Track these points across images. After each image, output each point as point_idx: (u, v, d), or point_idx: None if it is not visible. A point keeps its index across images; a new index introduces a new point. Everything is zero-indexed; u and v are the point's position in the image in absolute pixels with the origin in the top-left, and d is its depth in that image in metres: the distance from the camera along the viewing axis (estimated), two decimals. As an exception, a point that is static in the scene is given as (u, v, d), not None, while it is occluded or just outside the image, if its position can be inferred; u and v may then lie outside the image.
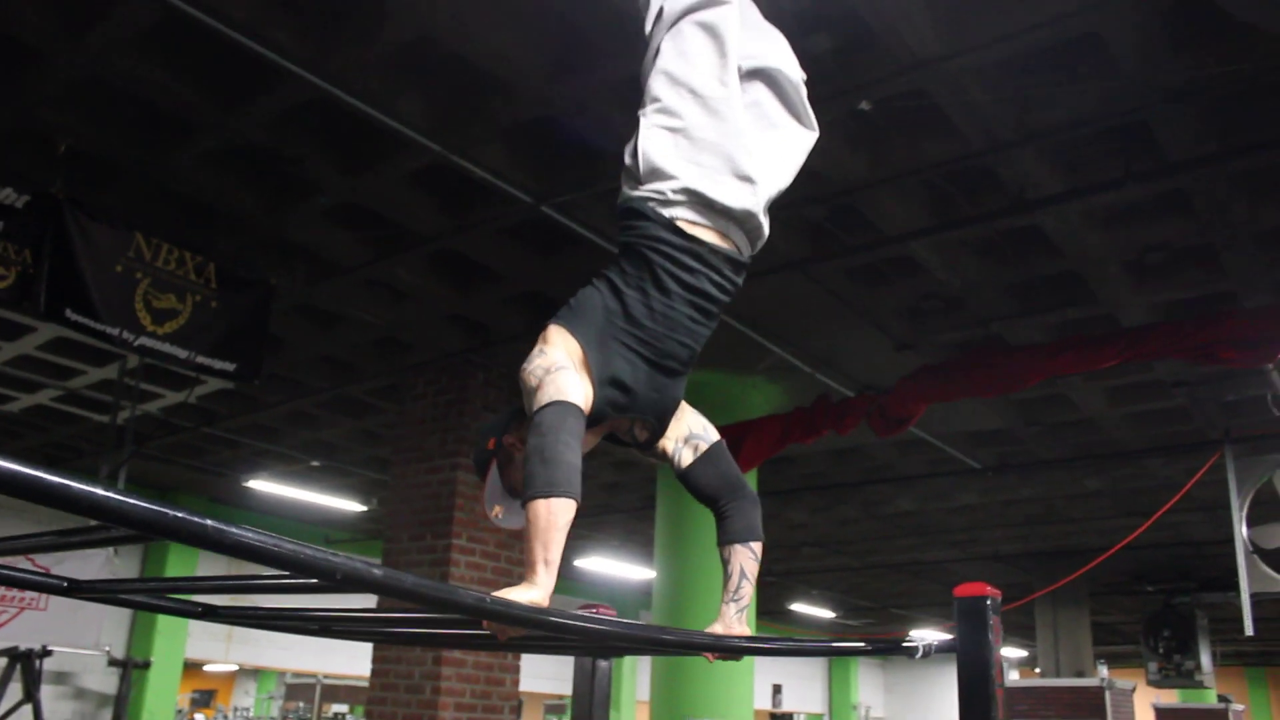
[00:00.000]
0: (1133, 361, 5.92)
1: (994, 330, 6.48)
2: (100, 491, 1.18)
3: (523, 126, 4.76)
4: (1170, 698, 17.87)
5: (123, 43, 4.20)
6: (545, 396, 1.97)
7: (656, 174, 2.17)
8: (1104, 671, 11.98)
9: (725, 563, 2.30)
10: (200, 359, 5.74)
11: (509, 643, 2.14)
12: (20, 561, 6.38)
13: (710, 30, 2.27)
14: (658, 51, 2.32)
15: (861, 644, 2.83)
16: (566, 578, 16.96)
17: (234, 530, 1.31)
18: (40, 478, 1.15)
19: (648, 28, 2.41)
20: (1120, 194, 4.88)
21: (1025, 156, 4.64)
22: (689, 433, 2.31)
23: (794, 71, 2.42)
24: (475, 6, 3.92)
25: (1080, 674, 14.16)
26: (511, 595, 1.81)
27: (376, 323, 7.09)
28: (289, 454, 10.69)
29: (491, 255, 6.04)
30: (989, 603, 2.59)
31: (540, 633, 2.09)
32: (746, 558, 2.29)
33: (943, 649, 2.63)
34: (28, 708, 10.25)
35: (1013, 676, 25.72)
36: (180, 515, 1.26)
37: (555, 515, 1.85)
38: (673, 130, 2.20)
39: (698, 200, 2.16)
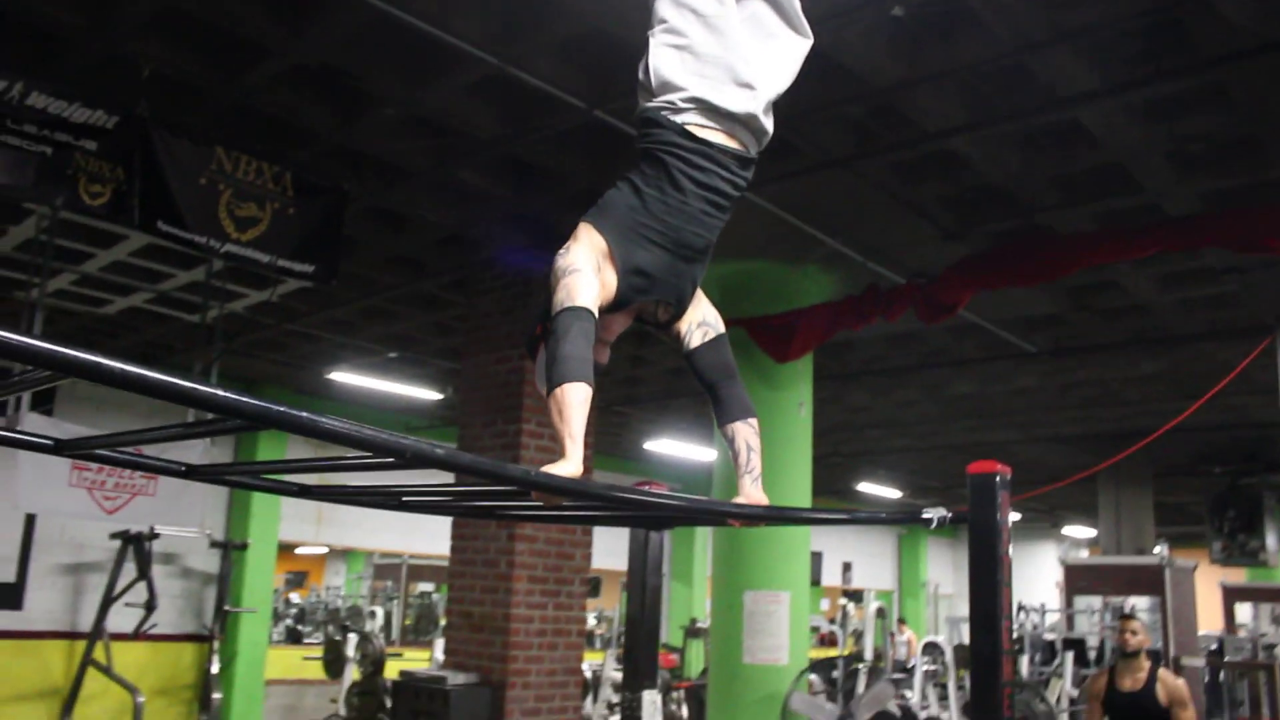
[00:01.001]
0: (1173, 250, 6.05)
1: (1039, 220, 6.62)
2: (222, 392, 1.55)
3: (575, 38, 5.00)
4: (1238, 577, 18.06)
5: (198, -26, 4.51)
6: (558, 303, 2.31)
7: (667, 87, 2.47)
8: (1163, 549, 12.22)
9: (730, 441, 2.63)
10: (281, 262, 6.17)
11: (558, 512, 2.51)
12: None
13: None
14: None
15: (882, 515, 3.16)
16: (636, 459, 17.53)
17: (324, 420, 1.68)
18: (176, 383, 1.51)
19: None
20: (1158, 88, 4.97)
21: (1058, 55, 4.76)
22: (702, 319, 2.64)
23: None
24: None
25: (1141, 552, 14.39)
26: (553, 469, 2.18)
27: (443, 222, 7.45)
28: (367, 346, 11.22)
29: (549, 159, 6.33)
30: (998, 479, 2.90)
31: (584, 501, 2.46)
32: (748, 433, 2.62)
33: (956, 520, 2.95)
34: (142, 585, 11.18)
35: (1082, 555, 26.08)
36: (283, 410, 1.64)
37: (569, 396, 2.19)
38: (678, 48, 2.48)
39: (704, 106, 2.44)
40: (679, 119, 2.44)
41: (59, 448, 2.42)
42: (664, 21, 2.52)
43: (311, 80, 5.56)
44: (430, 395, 12.85)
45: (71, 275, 8.78)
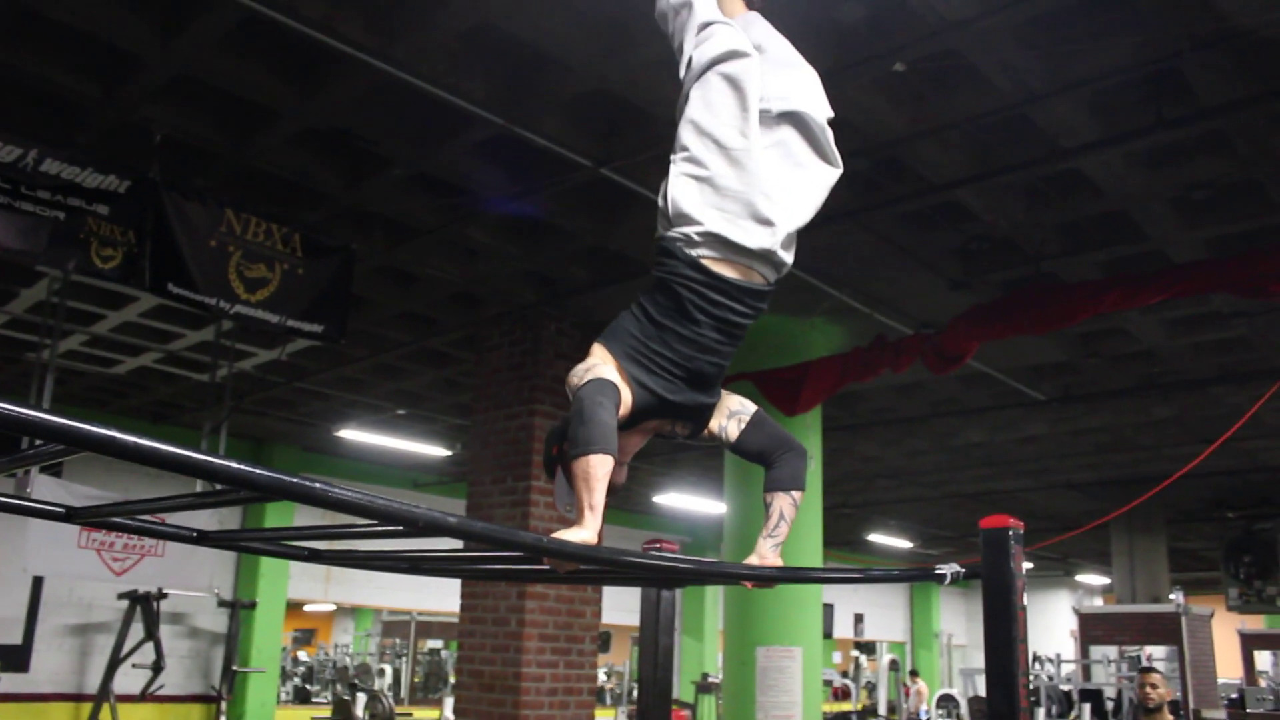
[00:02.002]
0: (1180, 297, 6.06)
1: (1045, 269, 6.64)
2: (234, 465, 1.55)
3: (580, 98, 5.06)
4: (1257, 623, 17.84)
5: (209, 42, 4.59)
6: (582, 381, 2.30)
7: (683, 218, 2.42)
8: (1179, 596, 12.09)
9: (767, 506, 2.61)
10: (290, 323, 6.20)
11: (569, 575, 2.50)
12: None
13: (733, 82, 2.46)
14: (687, 98, 2.55)
15: (895, 572, 3.13)
16: (645, 513, 17.46)
17: (336, 490, 1.68)
18: (188, 456, 1.50)
19: (680, 71, 2.64)
20: (1159, 137, 5.01)
21: (1060, 106, 4.81)
22: (729, 411, 2.60)
23: (820, 113, 2.60)
24: (527, -7, 4.20)
25: (1156, 600, 14.24)
26: (566, 536, 2.17)
27: (452, 279, 7.50)
28: (376, 404, 11.25)
29: (557, 215, 6.38)
30: (1011, 533, 2.88)
31: (596, 566, 2.45)
32: (787, 503, 2.60)
33: (970, 575, 2.93)
34: (149, 646, 11.12)
35: (1096, 603, 25.81)
36: (295, 481, 1.63)
37: (594, 468, 2.19)
38: (698, 179, 2.42)
39: (720, 242, 2.40)
40: (694, 252, 2.41)
41: (70, 516, 2.42)
42: (685, 150, 2.48)
43: (321, 142, 5.63)
44: (439, 452, 12.84)
45: (82, 336, 8.85)
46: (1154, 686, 6.07)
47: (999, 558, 2.89)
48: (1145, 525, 14.56)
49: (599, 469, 2.21)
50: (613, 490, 2.37)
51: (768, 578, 2.58)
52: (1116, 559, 15.08)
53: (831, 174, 2.62)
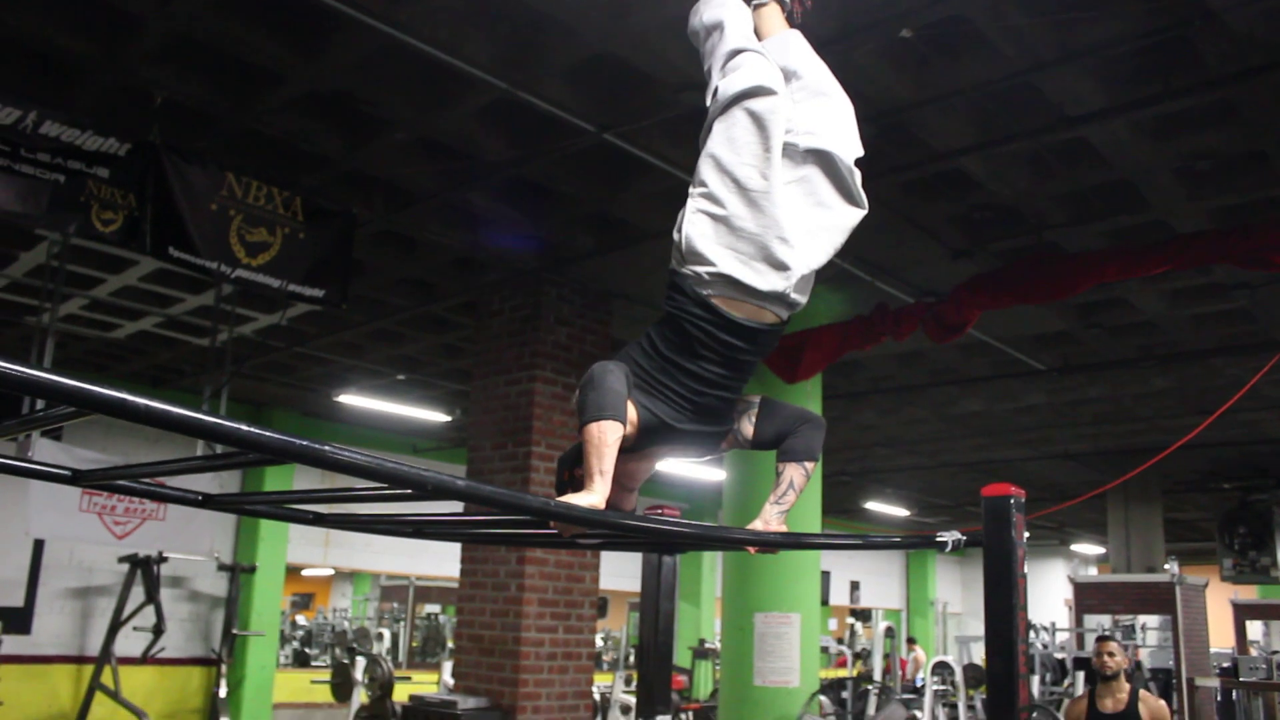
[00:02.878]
0: (1183, 268, 6.05)
1: (1048, 238, 6.62)
2: (245, 427, 1.55)
3: (584, 62, 5.02)
4: (1249, 594, 17.95)
5: (209, 3, 4.54)
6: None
7: (696, 257, 2.39)
8: (1174, 567, 12.16)
9: (779, 473, 2.60)
10: (291, 287, 6.18)
11: (574, 539, 2.51)
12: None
13: (758, 120, 2.42)
14: (710, 129, 2.51)
15: (896, 539, 3.15)
16: (645, 481, 17.49)
17: (346, 453, 1.69)
18: (199, 419, 1.50)
19: (707, 98, 2.58)
20: (1166, 106, 4.98)
21: (1067, 74, 4.78)
22: (737, 411, 2.58)
23: (850, 153, 2.55)
24: (532, -45, 4.16)
25: (1151, 569, 14.31)
26: (573, 499, 2.18)
27: (453, 245, 7.47)
28: (375, 369, 11.25)
29: (559, 181, 6.35)
30: (1012, 501, 2.90)
31: (602, 530, 2.47)
32: (799, 473, 2.58)
33: (970, 543, 2.95)
34: (150, 609, 11.18)
35: (1091, 572, 25.96)
36: (305, 444, 1.64)
37: (605, 434, 2.20)
38: (714, 218, 2.40)
39: (731, 284, 2.37)
40: (704, 292, 2.39)
41: (76, 479, 2.42)
42: (704, 185, 2.44)
43: (322, 106, 5.59)
44: (439, 417, 12.86)
45: (81, 300, 8.83)
46: (1110, 655, 6.13)
47: (1000, 526, 2.91)
48: (1142, 495, 14.62)
49: (610, 434, 2.22)
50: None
51: (772, 543, 2.59)
52: (1112, 529, 15.16)
53: (855, 215, 2.56)
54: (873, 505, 19.52)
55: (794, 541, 2.83)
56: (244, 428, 1.56)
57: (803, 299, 2.49)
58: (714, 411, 2.49)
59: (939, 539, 2.98)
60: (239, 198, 5.87)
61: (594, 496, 2.21)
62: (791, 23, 2.77)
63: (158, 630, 11.15)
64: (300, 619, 22.29)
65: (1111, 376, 10.24)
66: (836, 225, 2.52)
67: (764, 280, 2.37)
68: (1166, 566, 12.43)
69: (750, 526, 2.65)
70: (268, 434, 1.61)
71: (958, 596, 28.18)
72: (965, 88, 4.95)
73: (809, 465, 2.60)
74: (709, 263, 2.38)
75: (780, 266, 2.38)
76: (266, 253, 6.03)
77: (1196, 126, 5.36)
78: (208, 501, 2.80)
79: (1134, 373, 9.99)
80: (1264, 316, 8.05)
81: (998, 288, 6.41)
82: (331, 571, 23.12)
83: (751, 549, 2.82)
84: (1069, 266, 6.15)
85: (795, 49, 2.68)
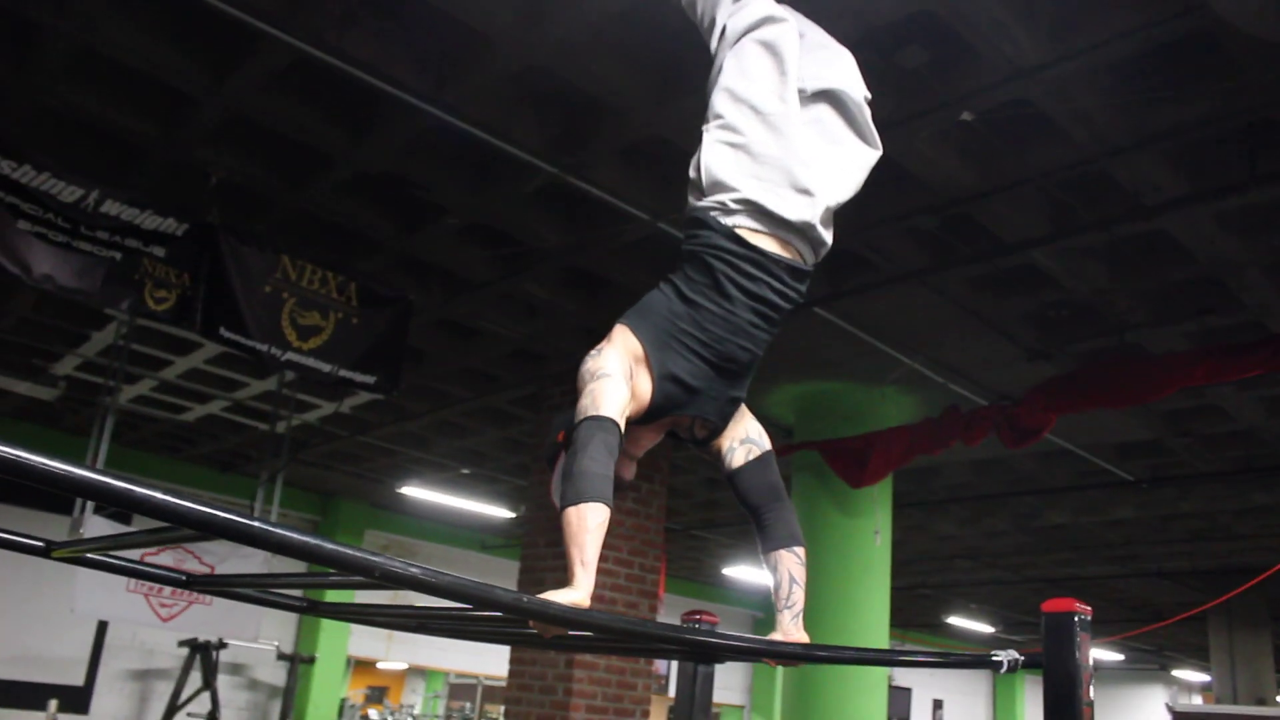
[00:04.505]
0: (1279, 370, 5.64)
1: (1129, 339, 6.26)
2: (159, 496, 1.37)
3: (635, 147, 4.91)
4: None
5: (260, 83, 4.56)
6: (581, 410, 2.10)
7: (718, 186, 2.27)
8: (1283, 699, 11.28)
9: (773, 571, 2.35)
10: (343, 372, 6.11)
11: (556, 641, 2.27)
12: (188, 560, 6.92)
13: (770, 48, 2.37)
14: (720, 68, 2.43)
15: (943, 656, 2.84)
16: (713, 584, 17.01)
17: (278, 530, 1.49)
18: (107, 483, 1.33)
19: (712, 45, 2.52)
20: (1252, 195, 4.67)
21: (1143, 160, 4.51)
22: (745, 435, 2.39)
23: (858, 91, 2.48)
24: (578, 38, 4.08)
25: (1261, 701, 13.36)
26: (552, 596, 1.94)
27: (512, 335, 7.38)
28: (440, 461, 11.16)
29: (615, 269, 6.22)
30: (1076, 619, 2.58)
31: (589, 633, 2.22)
32: (793, 563, 2.34)
33: (1029, 664, 2.63)
34: (206, 695, 11.07)
35: (1195, 701, 24.41)
36: (229, 516, 1.44)
37: (585, 519, 1.96)
38: (734, 145, 2.29)
39: (757, 210, 2.24)
40: (729, 221, 2.25)
41: (48, 550, 2.28)
42: (720, 117, 2.35)
43: (374, 188, 5.57)
44: (503, 513, 12.70)
45: (151, 381, 8.93)
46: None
47: (1063, 645, 2.59)
48: (1247, 620, 13.70)
49: (592, 520, 1.98)
50: (619, 486, 2.16)
51: (789, 655, 2.32)
52: (1215, 655, 14.20)
53: (870, 155, 2.47)
54: (955, 620, 18.70)
55: (817, 655, 2.54)
56: (159, 495, 1.38)
57: (828, 239, 2.35)
58: (737, 367, 2.29)
59: (993, 658, 2.67)
60: (293, 280, 5.85)
61: (576, 593, 1.96)
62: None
63: (212, 717, 11.01)
64: (372, 713, 22.02)
65: (1206, 490, 9.64)
66: (854, 162, 2.44)
67: (790, 207, 2.25)
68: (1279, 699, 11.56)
69: (770, 637, 2.38)
70: (189, 505, 1.42)
71: (1048, 721, 26.69)
72: (1034, 175, 4.71)
73: (800, 551, 2.37)
74: (733, 189, 2.25)
75: (805, 192, 2.27)
76: (318, 337, 5.99)
77: (1287, 220, 5.02)
78: (191, 582, 2.64)
79: (1231, 486, 9.39)
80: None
81: (1075, 390, 6.05)
82: (405, 666, 22.90)
83: (771, 662, 2.54)
84: (1152, 368, 5.78)
85: (790, 12, 2.59)
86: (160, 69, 4.54)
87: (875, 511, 7.62)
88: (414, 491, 12.09)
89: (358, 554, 1.57)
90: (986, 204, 5.01)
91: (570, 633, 2.09)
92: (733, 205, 2.25)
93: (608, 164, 5.02)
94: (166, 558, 6.84)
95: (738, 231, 2.24)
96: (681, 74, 4.33)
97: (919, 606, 16.78)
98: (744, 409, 2.42)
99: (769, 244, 2.26)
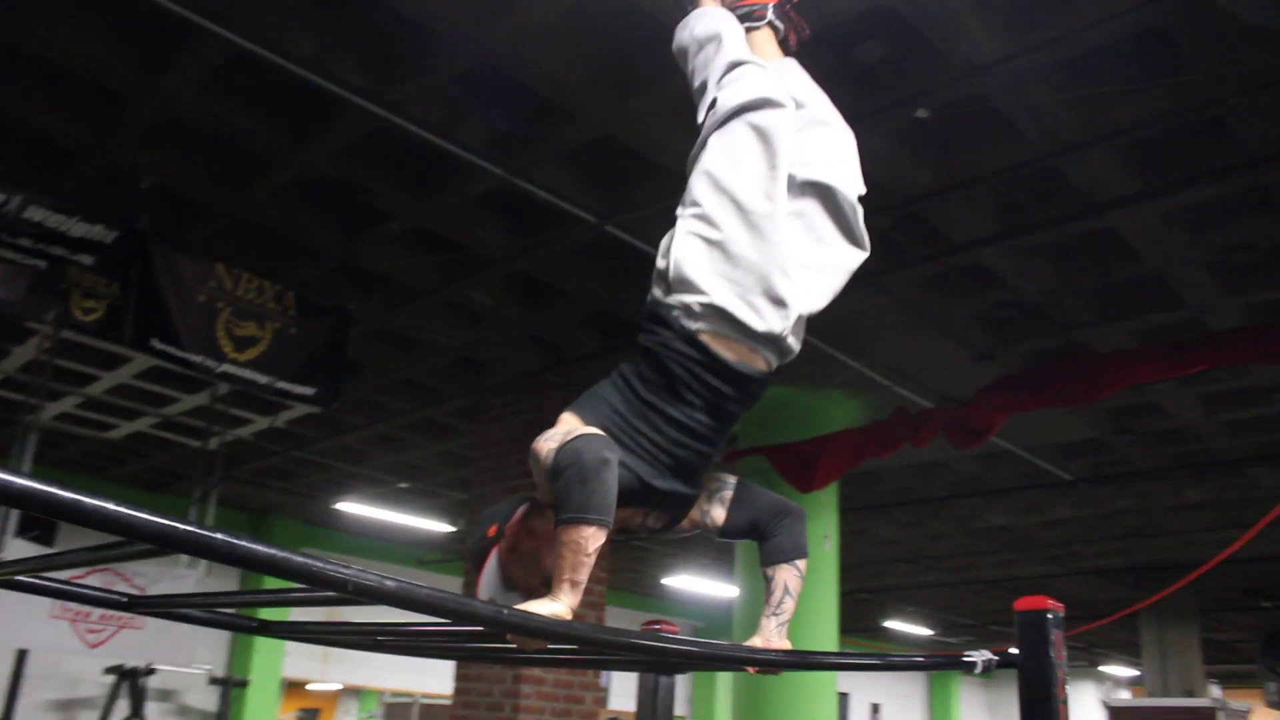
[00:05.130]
0: (1220, 367, 5.71)
1: (1075, 338, 6.31)
2: (110, 506, 1.22)
3: (583, 148, 4.80)
4: (1287, 719, 17.07)
5: (196, 82, 4.37)
6: (570, 437, 1.92)
7: (686, 285, 2.06)
8: (1216, 691, 11.52)
9: (768, 580, 2.23)
10: (280, 384, 5.91)
11: (538, 654, 2.14)
12: (117, 583, 6.63)
13: (762, 136, 2.13)
14: (705, 145, 2.20)
15: (919, 659, 2.77)
16: (653, 595, 16.91)
17: (243, 543, 1.34)
18: (54, 494, 1.19)
19: (699, 113, 2.30)
20: (1199, 192, 4.72)
21: (1094, 158, 4.52)
22: (708, 491, 2.25)
23: (853, 189, 2.27)
24: (529, 33, 3.97)
25: (1190, 693, 13.62)
26: (534, 608, 1.82)
27: (453, 345, 7.22)
28: (377, 476, 10.91)
29: (561, 275, 6.10)
30: (1050, 616, 2.53)
31: (569, 647, 2.10)
32: (791, 575, 2.23)
33: (1003, 664, 2.57)
34: (135, 724, 10.67)
35: (1124, 695, 24.88)
36: (189, 529, 1.30)
37: (588, 542, 1.82)
38: (709, 241, 2.08)
39: (724, 319, 2.05)
40: (692, 325, 2.05)
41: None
42: (697, 205, 2.12)
43: (314, 193, 5.39)
44: (442, 528, 12.46)
45: (77, 399, 8.59)
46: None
47: (1037, 644, 2.53)
48: (1177, 615, 13.98)
49: (592, 544, 1.83)
50: (529, 593, 1.97)
51: (773, 663, 2.21)
52: (1147, 650, 14.47)
53: (856, 257, 2.26)
54: (893, 624, 18.82)
55: (799, 662, 2.44)
56: (111, 507, 1.23)
57: (796, 346, 2.16)
58: (691, 468, 2.13)
59: (966, 659, 2.60)
60: (228, 290, 5.64)
61: (559, 606, 1.84)
62: (785, 51, 2.49)
63: (142, 748, 10.62)
64: (303, 735, 21.51)
65: (1143, 488, 9.79)
66: (837, 266, 2.22)
67: (761, 319, 2.05)
68: (1211, 689, 11.80)
69: (749, 643, 2.28)
70: (145, 517, 1.28)
71: (984, 721, 27.07)
72: (987, 174, 4.70)
73: (801, 565, 2.23)
74: (700, 292, 2.04)
75: (780, 303, 2.05)
76: (255, 348, 5.78)
77: (1231, 216, 5.08)
78: (133, 604, 2.46)
79: (1167, 484, 9.55)
80: (1305, 423, 7.66)
81: (1024, 390, 6.07)
82: (339, 686, 22.44)
83: (751, 669, 2.44)
84: (1100, 367, 5.82)
85: (793, 76, 2.42)
86: (88, 66, 4.33)
87: (824, 516, 7.58)
88: (350, 507, 11.81)
89: (329, 568, 1.43)
90: (939, 203, 5.00)
91: (550, 646, 1.97)
92: (698, 309, 2.05)
93: (555, 166, 4.91)
94: (93, 581, 6.54)
95: (700, 338, 2.05)
96: (634, 72, 4.24)
97: (858, 611, 16.84)
98: (702, 481, 2.25)
99: (732, 353, 2.07)
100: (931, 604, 17.54)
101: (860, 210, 2.25)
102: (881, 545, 12.78)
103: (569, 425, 2.04)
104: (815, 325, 6.55)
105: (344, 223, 5.65)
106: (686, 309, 2.06)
